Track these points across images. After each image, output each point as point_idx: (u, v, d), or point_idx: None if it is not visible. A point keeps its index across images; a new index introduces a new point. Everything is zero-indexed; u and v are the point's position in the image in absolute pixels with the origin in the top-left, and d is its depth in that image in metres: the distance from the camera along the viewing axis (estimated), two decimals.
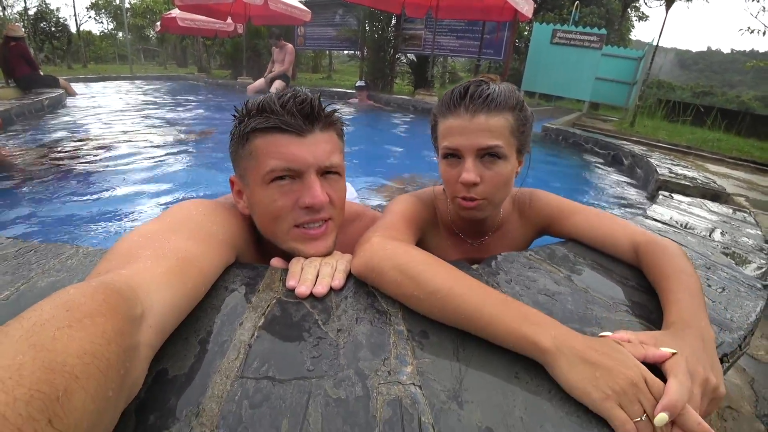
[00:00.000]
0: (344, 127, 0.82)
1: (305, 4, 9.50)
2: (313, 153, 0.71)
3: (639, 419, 0.46)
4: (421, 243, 0.95)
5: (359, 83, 7.05)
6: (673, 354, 0.52)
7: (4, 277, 0.73)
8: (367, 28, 9.38)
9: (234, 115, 0.76)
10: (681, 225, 1.46)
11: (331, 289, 0.70)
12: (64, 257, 0.82)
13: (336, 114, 0.77)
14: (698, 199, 2.00)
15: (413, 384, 0.52)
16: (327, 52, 15.62)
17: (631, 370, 0.49)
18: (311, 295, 0.68)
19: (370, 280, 0.71)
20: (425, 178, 3.16)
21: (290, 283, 0.69)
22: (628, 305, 0.75)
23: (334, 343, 0.58)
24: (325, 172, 0.75)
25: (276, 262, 0.78)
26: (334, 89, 8.15)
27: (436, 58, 10.57)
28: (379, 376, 0.53)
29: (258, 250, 0.85)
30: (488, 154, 0.81)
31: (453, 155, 0.84)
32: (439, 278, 0.62)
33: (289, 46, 7.11)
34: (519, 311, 0.57)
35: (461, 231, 1.00)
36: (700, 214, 1.67)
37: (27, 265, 0.78)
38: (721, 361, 0.67)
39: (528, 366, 0.55)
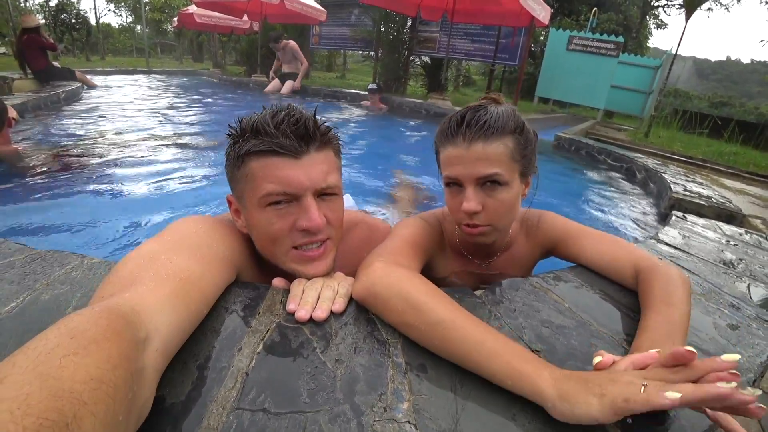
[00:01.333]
0: (341, 144, 0.81)
1: (321, 3, 9.54)
2: (309, 175, 0.70)
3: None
4: (428, 264, 0.95)
5: (371, 86, 7.00)
6: (658, 352, 0.54)
7: (11, 287, 0.74)
8: (382, 29, 9.37)
9: (228, 134, 0.75)
10: (693, 250, 1.43)
11: (331, 312, 0.70)
12: (69, 268, 0.83)
13: (332, 132, 0.76)
14: (713, 222, 1.96)
15: (408, 422, 0.51)
16: (341, 51, 15.65)
17: (624, 374, 0.51)
18: (311, 319, 0.67)
19: (371, 306, 0.70)
20: (435, 187, 3.14)
21: (290, 306, 0.69)
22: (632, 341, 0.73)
23: (331, 374, 0.57)
24: (322, 194, 0.74)
25: (278, 282, 0.78)
26: (347, 90, 8.15)
27: (451, 61, 10.53)
28: (374, 413, 0.52)
29: (259, 268, 0.85)
30: (489, 182, 0.80)
31: (455, 184, 0.84)
32: (442, 309, 0.62)
33: (291, 42, 6.87)
34: (518, 350, 0.57)
35: (469, 252, 1.00)
36: (713, 238, 1.64)
37: (33, 275, 0.79)
38: None
39: (526, 407, 0.54)
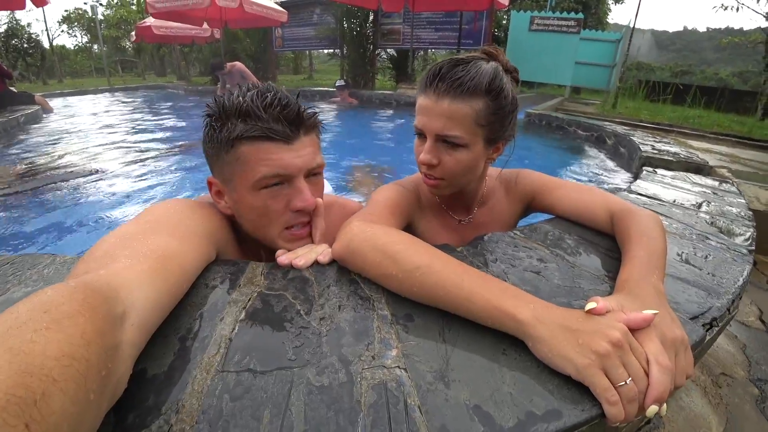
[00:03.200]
0: (322, 125, 0.83)
1: (281, 4, 9.42)
2: (301, 158, 0.73)
3: (623, 383, 0.45)
4: (409, 229, 0.95)
5: (339, 82, 7.01)
6: (655, 314, 0.51)
7: None
8: (345, 25, 9.33)
9: (208, 114, 0.74)
10: (666, 198, 1.47)
11: (314, 278, 0.70)
12: (41, 266, 0.79)
13: (316, 116, 0.79)
14: (682, 173, 2.02)
15: (398, 367, 0.51)
16: (307, 52, 15.50)
17: (616, 330, 0.48)
18: (293, 267, 0.73)
19: (350, 263, 0.70)
20: (407, 171, 3.15)
21: (279, 259, 0.74)
22: (615, 276, 0.75)
23: (316, 331, 0.57)
24: (310, 174, 0.77)
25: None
26: (316, 89, 8.09)
27: (416, 51, 10.56)
28: (363, 362, 0.51)
29: (239, 246, 0.84)
30: (446, 141, 0.80)
31: (421, 134, 0.84)
32: (418, 256, 0.61)
33: (237, 64, 6.37)
34: (498, 286, 0.56)
35: (446, 204, 1.00)
36: (684, 187, 1.68)
37: (3, 277, 0.76)
38: (710, 325, 0.68)
39: (515, 342, 0.54)
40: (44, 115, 5.82)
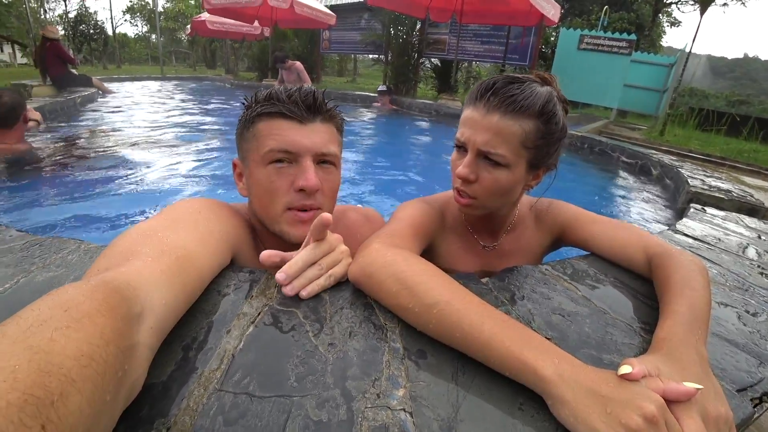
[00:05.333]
0: (344, 124, 0.85)
1: (330, 8, 9.61)
2: (311, 139, 0.74)
3: None
4: (431, 249, 0.92)
5: (381, 87, 7.05)
6: (699, 390, 0.45)
7: (6, 270, 0.73)
8: (392, 32, 9.38)
9: (243, 103, 0.80)
10: (714, 241, 1.36)
11: (328, 297, 0.67)
12: (66, 252, 0.81)
13: (337, 109, 0.81)
14: (733, 214, 1.87)
15: (404, 410, 0.47)
16: (352, 56, 15.72)
17: (651, 404, 0.42)
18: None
19: (366, 288, 0.67)
20: (442, 184, 3.10)
21: (277, 276, 0.64)
22: (651, 330, 0.68)
23: (322, 358, 0.54)
24: (321, 161, 0.77)
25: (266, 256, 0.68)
26: (358, 93, 8.15)
27: (461, 63, 10.49)
28: (366, 399, 0.48)
29: (256, 250, 0.83)
30: (488, 158, 0.77)
31: (462, 147, 0.81)
32: (438, 291, 0.57)
33: (297, 64, 6.87)
34: (521, 334, 0.52)
35: (473, 227, 0.96)
36: (735, 230, 1.56)
37: (30, 259, 0.78)
38: (760, 400, 0.60)
39: (534, 396, 0.49)
40: (100, 97, 6.16)
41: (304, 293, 0.65)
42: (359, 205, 1.14)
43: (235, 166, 0.85)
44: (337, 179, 0.82)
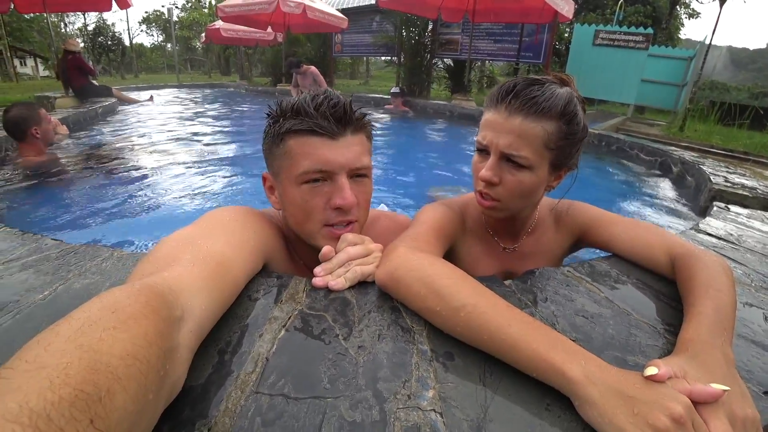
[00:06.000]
0: (373, 130, 0.85)
1: (342, 11, 9.67)
2: (344, 156, 0.74)
3: None
4: (451, 251, 0.93)
5: (394, 89, 7.06)
6: (725, 391, 0.45)
7: (45, 278, 0.77)
8: (404, 33, 9.39)
9: (268, 114, 0.79)
10: (738, 241, 1.33)
11: (355, 300, 0.69)
12: (99, 260, 0.85)
13: (366, 117, 0.80)
14: (758, 212, 1.83)
15: (434, 410, 0.48)
16: (364, 58, 15.79)
17: (678, 405, 0.43)
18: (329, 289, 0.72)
19: (393, 292, 0.69)
20: (458, 188, 3.09)
21: (314, 281, 0.73)
22: (676, 332, 0.68)
23: (353, 360, 0.55)
24: (355, 175, 0.77)
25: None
26: (371, 95, 8.19)
27: (474, 62, 10.44)
28: (398, 400, 0.50)
29: (288, 257, 0.86)
30: (511, 160, 0.77)
31: (484, 150, 0.81)
32: (465, 294, 0.59)
33: (312, 68, 6.86)
34: (548, 336, 0.53)
35: (493, 230, 0.97)
36: (761, 229, 1.52)
37: (66, 267, 0.82)
38: None
39: (560, 397, 0.50)
40: (121, 107, 6.33)
41: (333, 284, 0.70)
42: (390, 211, 1.16)
43: (265, 179, 0.85)
44: (370, 190, 0.82)
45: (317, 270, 0.73)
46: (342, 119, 0.74)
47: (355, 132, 0.76)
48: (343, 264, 0.74)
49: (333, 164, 0.73)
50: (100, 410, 0.30)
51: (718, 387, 0.45)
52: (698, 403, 0.45)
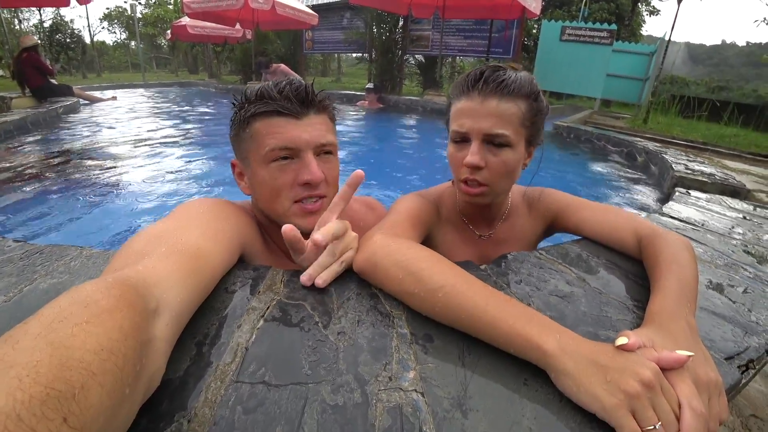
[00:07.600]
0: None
1: (312, 7, 9.56)
2: (309, 133, 0.76)
3: (652, 428, 0.43)
4: (428, 241, 0.94)
5: (369, 86, 7.07)
6: (690, 357, 0.48)
7: (9, 279, 0.73)
8: (375, 30, 9.38)
9: (233, 103, 0.81)
10: (699, 222, 1.41)
11: (334, 289, 0.69)
12: (68, 259, 0.81)
13: (328, 99, 0.83)
14: (717, 196, 1.93)
15: (415, 390, 0.49)
16: (335, 55, 15.67)
17: (647, 370, 0.45)
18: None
19: (371, 277, 0.69)
20: (432, 179, 3.12)
21: (302, 278, 0.70)
22: (643, 306, 0.71)
23: (333, 346, 0.56)
24: (321, 152, 0.79)
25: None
26: (344, 92, 8.15)
27: (444, 58, 10.53)
28: (379, 382, 0.50)
29: (265, 247, 0.86)
30: (494, 142, 0.80)
31: (462, 140, 0.83)
32: (442, 275, 0.60)
33: (281, 66, 6.79)
34: (524, 313, 0.54)
35: (468, 218, 0.99)
36: (719, 211, 1.61)
37: (32, 267, 0.78)
38: (746, 367, 0.63)
39: (537, 372, 0.52)
40: (81, 107, 6.07)
41: (320, 281, 0.67)
42: (358, 195, 1.16)
43: (233, 166, 0.86)
44: (337, 166, 0.84)
45: (303, 279, 0.68)
46: (305, 101, 0.76)
47: (318, 112, 0.79)
48: (328, 266, 0.70)
49: (298, 141, 0.75)
50: (74, 407, 0.29)
51: (683, 353, 0.48)
52: (666, 368, 0.47)
